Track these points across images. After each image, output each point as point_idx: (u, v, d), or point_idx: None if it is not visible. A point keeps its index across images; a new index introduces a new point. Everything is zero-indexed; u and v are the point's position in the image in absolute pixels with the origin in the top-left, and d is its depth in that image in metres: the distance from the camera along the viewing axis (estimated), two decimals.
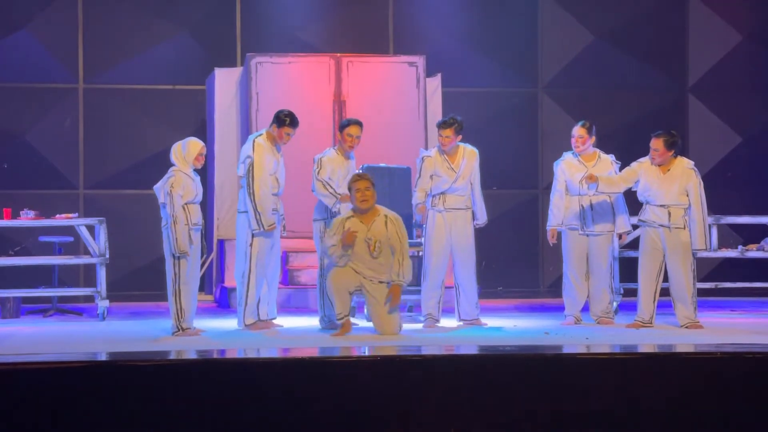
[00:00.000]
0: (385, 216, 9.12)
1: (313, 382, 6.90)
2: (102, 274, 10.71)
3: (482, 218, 9.97)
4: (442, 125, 9.77)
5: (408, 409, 6.88)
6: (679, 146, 9.62)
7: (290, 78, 12.37)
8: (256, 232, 9.36)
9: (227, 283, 12.13)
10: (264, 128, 9.73)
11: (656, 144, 9.52)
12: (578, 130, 9.92)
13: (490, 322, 10.04)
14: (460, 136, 9.83)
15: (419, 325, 9.81)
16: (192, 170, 9.23)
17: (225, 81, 12.82)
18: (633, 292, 10.04)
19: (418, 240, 10.28)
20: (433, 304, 9.74)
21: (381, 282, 9.07)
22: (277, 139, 9.51)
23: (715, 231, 11.07)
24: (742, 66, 14.30)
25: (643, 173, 9.58)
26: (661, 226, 9.55)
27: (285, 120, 9.47)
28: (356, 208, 9.12)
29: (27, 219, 10.88)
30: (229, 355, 7.97)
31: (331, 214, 9.62)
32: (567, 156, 10.02)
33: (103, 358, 7.67)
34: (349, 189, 9.16)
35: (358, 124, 9.71)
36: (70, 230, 11.41)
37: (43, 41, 13.32)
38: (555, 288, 12.85)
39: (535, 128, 14.18)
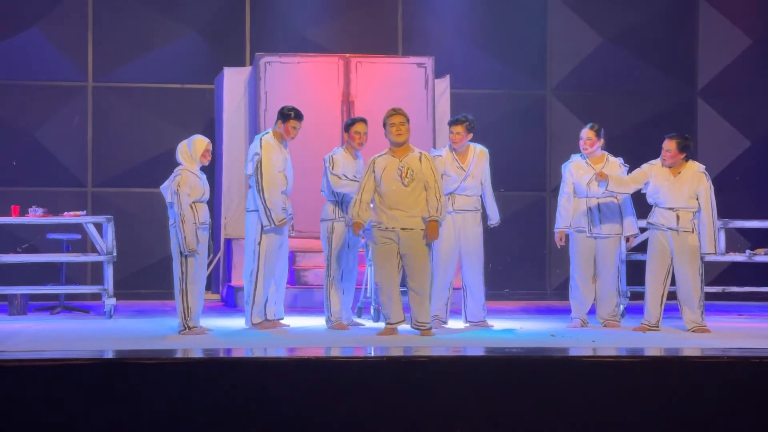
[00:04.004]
0: (420, 153, 9.14)
1: (319, 382, 6.91)
2: (109, 272, 10.72)
3: (495, 218, 9.98)
4: (454, 122, 9.81)
5: (414, 409, 6.88)
6: (691, 150, 9.62)
7: (299, 78, 12.38)
8: (266, 230, 9.37)
9: (234, 282, 12.14)
10: (270, 128, 9.74)
11: (669, 145, 9.52)
12: (586, 133, 9.92)
13: (497, 324, 10.04)
14: (471, 135, 9.85)
15: None
16: (199, 168, 9.24)
17: (234, 80, 12.83)
18: (640, 296, 10.03)
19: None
20: (440, 306, 9.74)
21: (411, 229, 8.98)
22: (284, 135, 9.52)
23: (723, 235, 11.05)
24: (751, 70, 14.28)
25: (654, 175, 9.58)
26: (670, 229, 9.54)
27: (289, 114, 9.50)
28: (392, 142, 9.11)
29: (35, 216, 10.90)
30: (236, 354, 7.97)
31: (339, 215, 9.62)
32: (575, 158, 10.02)
33: (110, 355, 7.69)
34: (384, 125, 9.13)
35: (363, 121, 9.73)
36: (77, 228, 11.42)
37: (52, 39, 13.34)
38: (561, 290, 12.83)
39: (543, 130, 14.17)
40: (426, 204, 9.01)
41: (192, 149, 9.21)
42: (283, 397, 6.84)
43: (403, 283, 9.16)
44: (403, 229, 8.99)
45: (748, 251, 11.46)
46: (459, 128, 9.77)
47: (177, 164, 9.23)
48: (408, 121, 9.13)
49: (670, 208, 9.55)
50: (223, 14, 13.72)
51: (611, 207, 9.88)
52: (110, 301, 10.68)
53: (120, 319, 10.66)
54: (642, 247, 10.31)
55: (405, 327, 9.16)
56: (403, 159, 9.06)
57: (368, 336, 9.15)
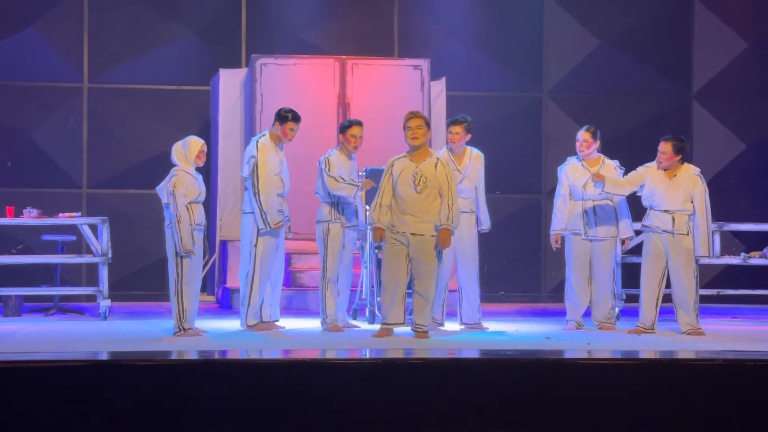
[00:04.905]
0: (437, 159, 9.12)
1: (314, 383, 6.90)
2: (104, 274, 10.71)
3: (486, 223, 9.98)
4: (453, 122, 9.82)
5: (409, 411, 6.88)
6: (686, 152, 9.64)
7: (295, 80, 12.38)
8: (262, 232, 9.37)
9: (229, 284, 12.14)
10: (267, 129, 9.74)
11: (665, 147, 9.53)
12: (583, 135, 9.93)
13: (492, 326, 10.04)
14: (469, 136, 9.86)
15: None
16: (194, 169, 9.23)
17: (229, 82, 12.83)
18: (635, 298, 10.03)
19: None
20: (436, 308, 9.72)
21: (422, 235, 8.99)
22: (281, 137, 9.52)
23: (717, 238, 11.07)
24: (747, 73, 14.30)
25: (649, 178, 9.59)
26: (665, 231, 9.55)
27: (287, 116, 9.50)
28: (409, 146, 9.11)
29: (30, 217, 10.88)
30: (231, 355, 7.97)
31: (335, 217, 9.62)
32: (571, 160, 10.03)
33: (105, 357, 7.68)
34: (404, 128, 9.12)
35: (360, 123, 9.73)
36: (73, 229, 11.41)
37: (48, 40, 13.34)
38: (557, 293, 12.84)
39: (539, 133, 14.18)
40: (439, 211, 9.00)
41: (186, 150, 9.20)
42: (278, 398, 6.84)
43: (409, 286, 9.16)
44: (413, 234, 9.00)
45: (742, 254, 11.47)
46: (458, 128, 9.78)
47: (173, 165, 9.23)
48: (427, 124, 9.11)
49: (665, 211, 9.56)
50: (219, 15, 13.71)
51: (607, 209, 9.89)
52: (105, 303, 10.66)
53: (115, 320, 10.65)
54: (637, 249, 10.32)
55: (401, 329, 9.15)
56: (419, 164, 9.05)
57: (364, 338, 9.14)
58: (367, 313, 10.28)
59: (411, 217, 8.99)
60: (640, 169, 9.69)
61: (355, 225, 9.73)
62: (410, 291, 9.15)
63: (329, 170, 9.56)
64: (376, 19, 13.95)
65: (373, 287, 10.17)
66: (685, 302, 9.55)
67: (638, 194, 9.72)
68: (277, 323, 9.68)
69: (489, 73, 14.01)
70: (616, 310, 10.31)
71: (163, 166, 9.89)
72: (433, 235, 8.99)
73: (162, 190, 9.15)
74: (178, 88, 13.66)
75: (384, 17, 13.97)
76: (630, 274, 10.77)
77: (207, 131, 13.18)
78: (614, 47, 14.16)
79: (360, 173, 9.94)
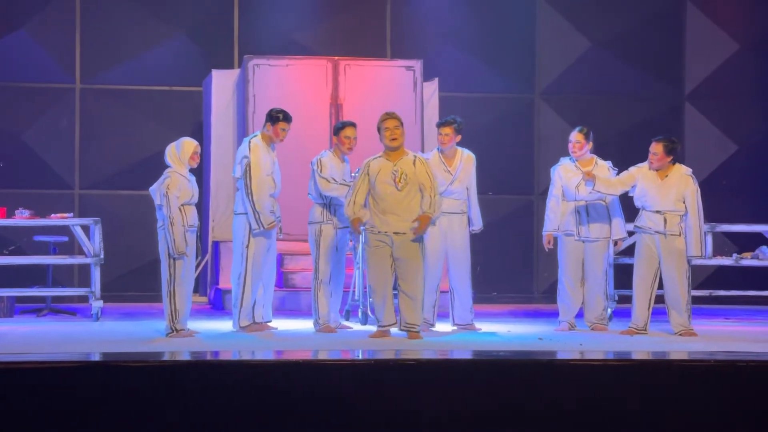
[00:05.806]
0: (414, 156, 9.15)
1: (307, 384, 6.90)
2: (96, 275, 10.70)
3: (478, 224, 9.98)
4: (443, 124, 9.82)
5: (401, 412, 6.88)
6: (678, 153, 9.65)
7: (287, 80, 12.38)
8: (254, 233, 9.36)
9: (222, 285, 12.13)
10: (258, 130, 9.74)
11: (656, 148, 9.55)
12: (575, 136, 9.94)
13: (485, 327, 10.04)
14: (459, 137, 9.86)
15: None
16: (188, 171, 9.22)
17: (222, 83, 12.82)
18: (627, 299, 10.05)
19: None
20: (428, 308, 9.73)
21: (404, 233, 8.99)
22: (273, 138, 9.52)
23: (710, 239, 11.09)
24: (739, 74, 14.33)
25: (641, 178, 9.61)
26: (657, 232, 9.56)
27: (278, 116, 9.50)
28: (386, 147, 9.12)
29: (22, 218, 10.86)
30: (223, 356, 7.97)
31: (327, 218, 9.62)
32: (564, 161, 10.04)
33: (97, 358, 7.67)
34: (379, 129, 9.14)
35: (353, 125, 9.73)
36: (65, 230, 11.40)
37: (40, 41, 13.32)
38: (549, 294, 12.85)
39: (531, 134, 14.19)
40: (419, 208, 9.01)
41: (180, 152, 9.19)
42: (270, 399, 6.84)
43: (394, 286, 9.16)
44: (396, 233, 9.00)
45: (735, 255, 11.49)
46: (447, 129, 9.79)
47: (166, 166, 9.21)
48: (402, 124, 9.14)
49: (657, 211, 9.57)
50: (212, 16, 13.71)
51: (599, 210, 9.90)
52: (97, 304, 10.65)
53: (107, 321, 10.64)
54: (630, 250, 10.33)
55: (394, 329, 9.17)
56: (397, 163, 9.07)
57: (356, 339, 9.15)
58: (359, 314, 10.28)
59: (392, 216, 9.01)
60: (632, 169, 9.71)
61: (347, 226, 9.72)
62: (394, 292, 9.16)
63: (321, 171, 9.56)
64: (369, 20, 13.96)
65: (365, 288, 10.17)
66: (678, 303, 9.56)
67: (630, 194, 9.73)
68: (269, 324, 9.68)
69: (482, 74, 14.03)
70: (609, 311, 10.31)
71: (155, 167, 9.88)
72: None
73: (155, 191, 9.14)
74: (171, 89, 13.66)
75: (376, 18, 13.97)
76: (622, 275, 10.78)
77: (199, 132, 13.17)
78: (606, 49, 14.19)
79: (352, 174, 9.94)
